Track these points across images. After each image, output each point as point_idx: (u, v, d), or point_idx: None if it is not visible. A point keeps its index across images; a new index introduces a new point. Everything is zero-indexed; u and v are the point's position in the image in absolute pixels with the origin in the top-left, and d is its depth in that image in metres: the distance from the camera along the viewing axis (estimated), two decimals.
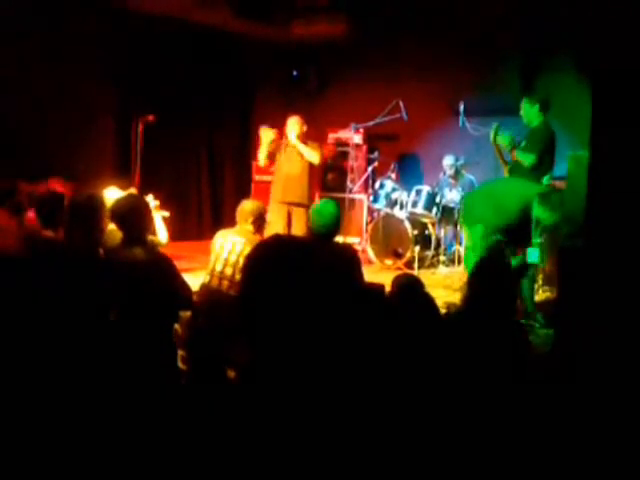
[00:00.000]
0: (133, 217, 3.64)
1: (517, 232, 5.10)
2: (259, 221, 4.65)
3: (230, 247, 4.45)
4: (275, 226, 6.18)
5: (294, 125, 6.40)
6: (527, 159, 5.68)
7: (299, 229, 6.22)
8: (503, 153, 6.05)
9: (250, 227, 4.59)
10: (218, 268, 4.42)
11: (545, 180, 5.73)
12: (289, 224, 6.37)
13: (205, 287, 4.47)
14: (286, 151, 6.44)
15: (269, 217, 6.49)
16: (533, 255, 5.10)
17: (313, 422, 1.86)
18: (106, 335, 3.47)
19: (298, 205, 6.37)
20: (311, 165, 6.43)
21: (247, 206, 4.68)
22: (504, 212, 5.12)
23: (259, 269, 1.94)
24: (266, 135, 6.43)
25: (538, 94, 6.08)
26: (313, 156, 6.37)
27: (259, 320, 1.91)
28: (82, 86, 7.26)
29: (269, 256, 1.98)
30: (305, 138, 6.43)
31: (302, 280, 1.97)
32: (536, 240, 5.09)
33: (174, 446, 2.07)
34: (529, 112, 5.85)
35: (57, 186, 5.31)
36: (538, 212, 5.04)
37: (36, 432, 2.78)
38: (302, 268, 1.96)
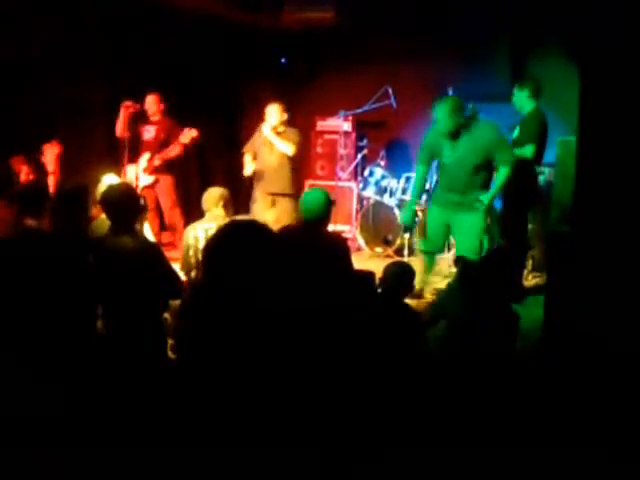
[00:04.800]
0: (123, 205, 3.62)
1: None
2: (229, 205, 4.66)
3: (204, 235, 4.38)
4: (260, 216, 6.09)
5: (272, 115, 6.20)
6: (526, 152, 5.62)
7: (284, 219, 6.09)
8: None
9: (221, 211, 4.58)
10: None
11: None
12: None
13: (191, 283, 4.26)
14: (266, 142, 6.26)
15: (254, 207, 6.41)
16: None
17: (305, 416, 1.86)
18: (95, 324, 3.45)
19: (281, 195, 6.27)
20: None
21: (215, 192, 4.68)
22: None
23: (224, 251, 1.92)
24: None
25: (529, 80, 6.01)
26: (286, 147, 6.17)
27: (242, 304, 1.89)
28: (75, 75, 7.18)
29: (231, 241, 1.96)
30: (286, 125, 6.28)
31: (272, 266, 1.95)
32: None
33: (166, 433, 2.07)
34: (519, 97, 5.83)
35: (20, 165, 5.28)
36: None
37: (24, 421, 2.77)
38: (268, 252, 1.95)
